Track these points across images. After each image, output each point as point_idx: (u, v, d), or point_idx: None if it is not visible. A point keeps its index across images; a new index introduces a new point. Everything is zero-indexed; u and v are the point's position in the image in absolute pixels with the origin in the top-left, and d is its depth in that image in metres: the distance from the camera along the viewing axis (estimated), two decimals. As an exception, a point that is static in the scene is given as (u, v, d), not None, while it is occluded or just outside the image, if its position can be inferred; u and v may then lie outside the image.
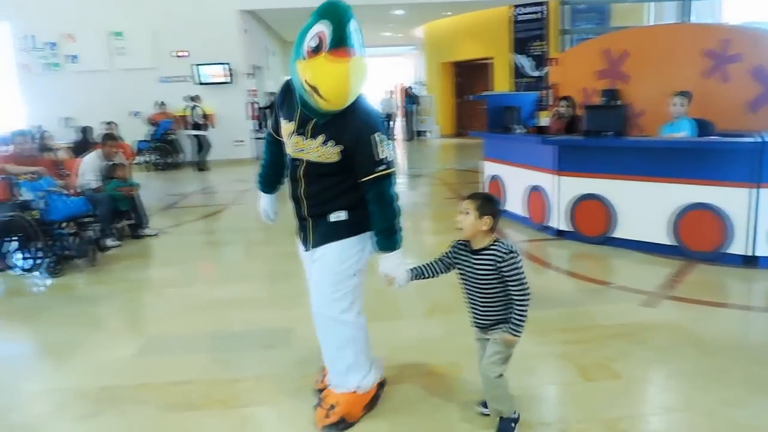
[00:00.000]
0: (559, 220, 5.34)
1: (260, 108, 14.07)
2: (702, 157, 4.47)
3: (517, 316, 2.20)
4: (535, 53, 14.39)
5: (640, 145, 4.83)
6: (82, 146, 8.61)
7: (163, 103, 12.69)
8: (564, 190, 5.23)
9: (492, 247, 2.21)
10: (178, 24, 12.63)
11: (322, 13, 2.06)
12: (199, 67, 12.82)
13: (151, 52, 12.87)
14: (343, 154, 2.22)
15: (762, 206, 4.23)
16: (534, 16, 14.26)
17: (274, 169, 2.64)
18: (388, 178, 2.27)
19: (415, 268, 2.37)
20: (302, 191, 2.34)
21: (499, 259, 2.18)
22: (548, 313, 3.62)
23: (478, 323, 2.33)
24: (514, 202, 6.08)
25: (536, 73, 14.37)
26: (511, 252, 2.19)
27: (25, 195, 4.86)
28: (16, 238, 4.95)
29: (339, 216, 2.32)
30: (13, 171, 5.15)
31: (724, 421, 2.41)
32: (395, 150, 15.64)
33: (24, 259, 4.97)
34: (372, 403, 2.50)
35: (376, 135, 2.22)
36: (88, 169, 5.89)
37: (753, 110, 5.44)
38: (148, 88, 12.82)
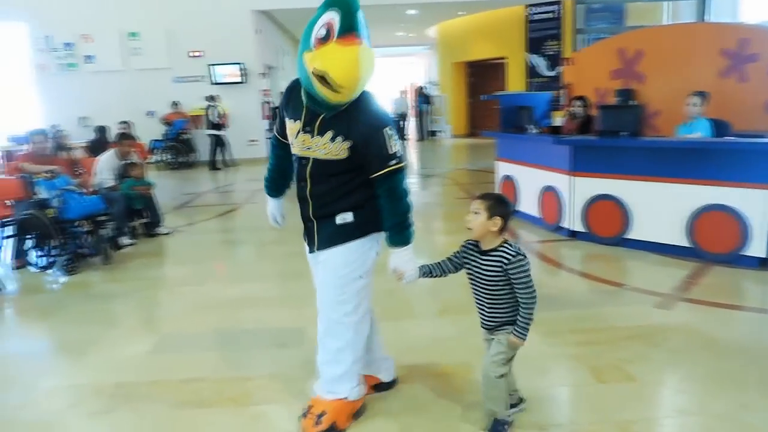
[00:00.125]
0: (572, 221, 5.30)
1: (273, 108, 14.14)
2: (719, 157, 4.41)
3: (523, 320, 2.19)
4: (549, 53, 14.31)
5: (656, 145, 4.78)
6: (98, 145, 8.73)
7: (176, 103, 12.79)
8: (578, 190, 5.20)
9: (500, 248, 2.20)
10: (192, 24, 12.74)
11: (330, 3, 2.04)
12: (214, 67, 12.91)
13: (166, 52, 12.98)
14: (352, 150, 2.19)
15: (780, 208, 4.18)
16: (548, 15, 14.19)
17: (281, 173, 2.62)
18: (399, 173, 2.25)
19: (424, 265, 2.36)
20: (308, 191, 2.31)
21: (506, 261, 2.17)
22: (561, 314, 3.60)
23: (485, 324, 2.33)
24: (528, 203, 6.05)
25: (550, 73, 14.29)
26: (519, 255, 2.17)
27: (42, 193, 4.92)
28: (32, 236, 5.02)
29: (345, 218, 2.29)
30: (31, 170, 5.23)
31: (738, 425, 2.38)
32: (407, 149, 15.63)
33: (40, 256, 5.03)
34: (359, 412, 2.48)
35: (386, 129, 2.20)
36: (103, 168, 5.96)
37: (770, 111, 5.37)
38: (163, 88, 12.94)
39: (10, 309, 4.34)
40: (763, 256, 4.27)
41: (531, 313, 2.19)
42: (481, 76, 17.70)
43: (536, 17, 14.41)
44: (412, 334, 3.40)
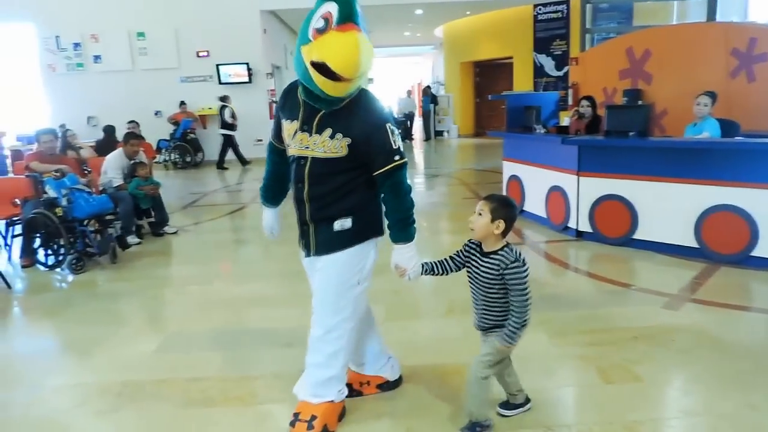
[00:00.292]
0: (579, 221, 5.28)
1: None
2: (727, 157, 4.38)
3: (512, 325, 2.17)
4: (557, 52, 14.27)
5: (664, 145, 4.76)
6: (105, 145, 8.76)
7: (183, 103, 12.84)
8: (584, 190, 5.18)
9: (501, 252, 2.19)
10: (199, 24, 12.79)
11: None
12: (220, 66, 12.95)
13: (173, 52, 13.03)
14: (352, 148, 2.16)
15: (789, 208, 4.15)
16: (556, 15, 14.15)
17: (277, 181, 2.56)
18: (403, 169, 2.23)
19: (426, 263, 2.35)
20: (306, 193, 2.25)
21: (505, 266, 2.15)
22: (568, 314, 3.59)
23: (477, 324, 2.33)
24: (534, 203, 6.03)
25: (557, 73, 14.25)
26: (517, 261, 2.16)
27: (51, 193, 4.95)
28: (40, 235, 5.05)
29: (344, 224, 2.26)
30: (38, 169, 5.26)
31: (746, 426, 2.36)
32: (414, 150, 15.63)
33: (47, 255, 5.06)
34: (343, 412, 2.47)
35: (388, 125, 2.19)
36: (111, 168, 5.99)
37: (780, 110, 5.34)
38: (171, 88, 13.00)
39: (18, 307, 4.36)
40: (772, 256, 4.25)
41: (521, 321, 2.17)
42: (488, 75, 17.69)
43: (543, 17, 14.37)
44: (418, 334, 3.40)
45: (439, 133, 18.23)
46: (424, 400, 2.62)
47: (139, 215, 6.05)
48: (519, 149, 6.39)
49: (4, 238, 5.59)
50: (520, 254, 2.19)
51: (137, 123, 10.58)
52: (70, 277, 4.86)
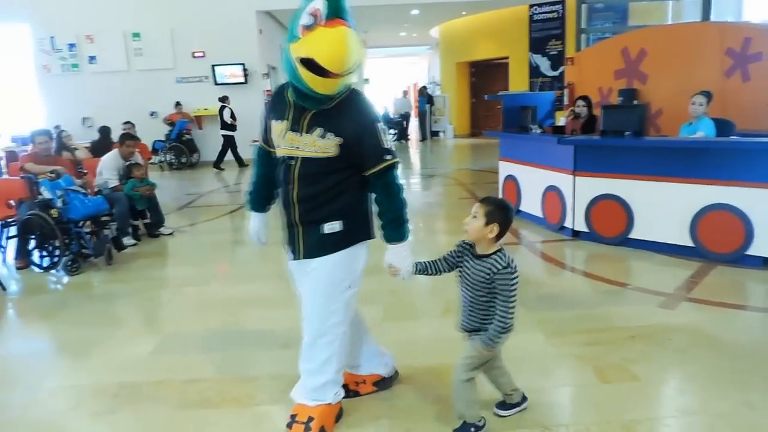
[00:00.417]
0: (575, 221, 5.29)
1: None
2: (722, 157, 4.40)
3: (494, 330, 2.17)
4: (552, 52, 14.29)
5: (659, 145, 4.77)
6: (101, 146, 8.73)
7: (178, 103, 12.81)
8: (580, 190, 5.19)
9: (493, 256, 2.18)
10: (195, 25, 12.75)
11: None
12: (216, 67, 12.93)
13: (169, 53, 12.99)
14: (342, 148, 2.14)
15: (784, 207, 4.16)
16: (551, 15, 14.16)
17: (266, 185, 2.50)
18: (394, 168, 2.22)
19: (419, 262, 2.34)
20: (295, 194, 2.21)
21: (495, 271, 2.14)
22: (565, 314, 3.59)
23: (462, 324, 2.33)
24: (530, 203, 6.04)
25: (553, 73, 14.27)
26: (508, 267, 2.15)
27: (46, 194, 4.93)
28: (34, 236, 5.03)
29: (333, 227, 2.23)
30: (33, 170, 5.24)
31: (744, 424, 2.37)
32: (410, 150, 15.63)
33: (43, 257, 5.04)
34: (340, 413, 2.47)
35: (379, 124, 2.19)
36: (106, 168, 5.96)
37: (774, 110, 5.36)
38: (166, 89, 12.96)
39: (13, 309, 4.34)
40: (767, 255, 4.26)
41: (504, 326, 2.15)
42: (484, 76, 17.70)
43: (539, 17, 14.39)
44: (415, 334, 3.40)
45: (435, 134, 18.24)
46: (423, 401, 2.62)
47: (134, 216, 6.03)
48: (515, 149, 6.40)
49: (-1, 239, 5.57)
50: (512, 261, 2.18)
51: (133, 124, 10.53)
52: (66, 279, 4.84)
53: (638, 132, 4.90)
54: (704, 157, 4.48)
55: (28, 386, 2.98)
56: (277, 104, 2.27)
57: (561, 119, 7.82)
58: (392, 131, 17.67)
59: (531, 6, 14.36)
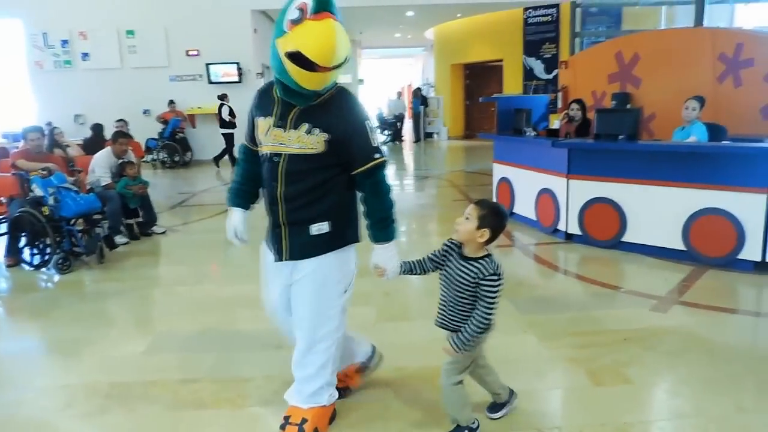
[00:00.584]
0: (568, 224, 5.31)
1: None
2: (714, 161, 4.43)
3: (467, 333, 2.15)
4: (547, 56, 14.35)
5: (652, 149, 4.80)
6: (93, 143, 8.68)
7: (172, 102, 12.75)
8: (574, 193, 5.21)
9: (481, 261, 2.15)
10: (189, 23, 12.69)
11: None
12: (210, 66, 12.88)
13: (163, 51, 12.93)
14: (330, 144, 2.11)
15: (775, 212, 4.19)
16: (546, 18, 14.22)
17: (249, 182, 2.44)
18: (383, 167, 2.21)
19: (406, 262, 2.32)
20: (280, 193, 2.17)
21: (481, 276, 2.12)
22: (557, 317, 3.60)
23: (438, 322, 2.31)
24: (524, 205, 6.06)
25: (547, 76, 14.33)
26: (495, 274, 2.12)
27: (37, 191, 4.89)
28: (24, 234, 4.99)
29: (321, 228, 2.19)
30: (25, 167, 5.19)
31: (736, 427, 2.39)
32: (402, 151, 15.64)
33: (33, 255, 5.00)
34: (333, 415, 2.46)
35: (368, 122, 2.17)
36: (98, 166, 5.93)
37: (765, 117, 5.40)
38: (160, 87, 12.89)
39: (2, 308, 4.30)
40: (758, 259, 4.29)
41: (477, 331, 2.14)
42: (478, 78, 17.75)
43: (534, 20, 14.44)
44: (409, 335, 3.39)
45: (428, 135, 18.25)
46: (416, 402, 2.62)
47: (127, 215, 5.99)
48: (509, 152, 6.41)
49: (-11, 237, 5.52)
50: (498, 267, 2.15)
51: (126, 121, 10.48)
52: (57, 277, 4.80)
53: (632, 136, 4.93)
54: (697, 162, 4.50)
55: (18, 386, 2.95)
56: (263, 101, 2.25)
57: (555, 122, 7.84)
58: (386, 132, 17.68)
59: (526, 9, 14.42)
